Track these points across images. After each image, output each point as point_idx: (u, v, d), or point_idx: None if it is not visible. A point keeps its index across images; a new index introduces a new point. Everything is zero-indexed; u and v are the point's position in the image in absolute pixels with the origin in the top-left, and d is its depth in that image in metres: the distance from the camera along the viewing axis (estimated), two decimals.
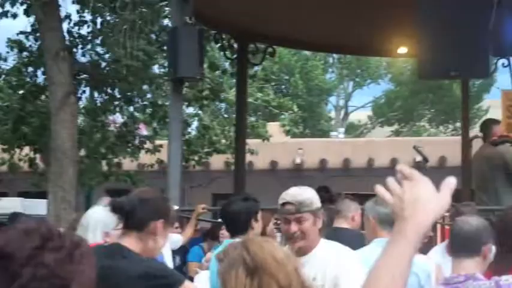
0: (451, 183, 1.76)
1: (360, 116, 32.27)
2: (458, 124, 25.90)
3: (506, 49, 6.20)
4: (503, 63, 7.99)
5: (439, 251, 5.64)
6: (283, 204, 4.06)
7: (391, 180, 1.76)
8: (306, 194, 4.10)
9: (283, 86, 28.29)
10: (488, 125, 8.57)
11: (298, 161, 18.17)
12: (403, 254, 1.72)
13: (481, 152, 8.51)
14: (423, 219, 1.73)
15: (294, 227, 4.01)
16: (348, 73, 31.25)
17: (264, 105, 19.43)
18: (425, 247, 6.63)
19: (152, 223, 3.65)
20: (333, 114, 32.55)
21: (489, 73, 6.16)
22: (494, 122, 8.68)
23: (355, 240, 5.97)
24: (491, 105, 26.11)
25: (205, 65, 11.49)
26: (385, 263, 1.73)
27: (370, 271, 1.75)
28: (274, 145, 17.66)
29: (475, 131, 10.87)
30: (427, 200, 1.72)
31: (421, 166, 7.29)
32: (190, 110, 16.47)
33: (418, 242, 1.74)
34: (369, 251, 4.38)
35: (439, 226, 7.36)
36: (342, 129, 29.41)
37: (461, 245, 3.75)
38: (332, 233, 5.34)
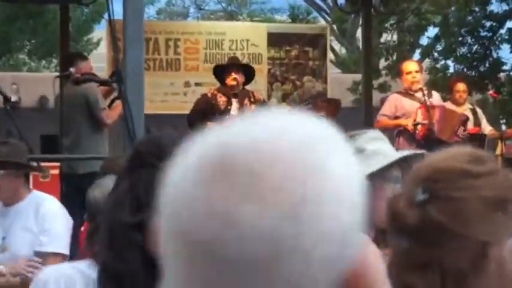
0: None
1: None
2: None
3: None
4: None
5: None
6: None
7: None
8: None
9: None
10: (71, 60, 8.38)
11: None
12: None
13: (62, 92, 8.45)
14: None
15: None
16: None
17: None
18: None
19: None
20: None
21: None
22: (80, 57, 8.72)
23: None
24: (104, 37, 23.75)
25: None
26: None
27: None
28: None
29: None
30: None
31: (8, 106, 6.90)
32: None
33: None
34: None
35: None
36: None
37: None
38: None
